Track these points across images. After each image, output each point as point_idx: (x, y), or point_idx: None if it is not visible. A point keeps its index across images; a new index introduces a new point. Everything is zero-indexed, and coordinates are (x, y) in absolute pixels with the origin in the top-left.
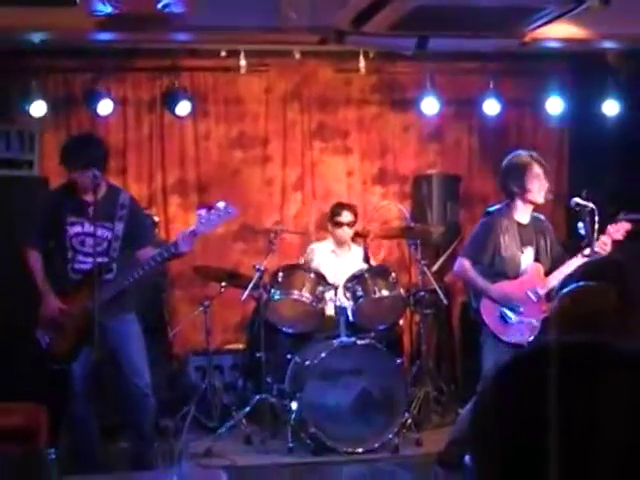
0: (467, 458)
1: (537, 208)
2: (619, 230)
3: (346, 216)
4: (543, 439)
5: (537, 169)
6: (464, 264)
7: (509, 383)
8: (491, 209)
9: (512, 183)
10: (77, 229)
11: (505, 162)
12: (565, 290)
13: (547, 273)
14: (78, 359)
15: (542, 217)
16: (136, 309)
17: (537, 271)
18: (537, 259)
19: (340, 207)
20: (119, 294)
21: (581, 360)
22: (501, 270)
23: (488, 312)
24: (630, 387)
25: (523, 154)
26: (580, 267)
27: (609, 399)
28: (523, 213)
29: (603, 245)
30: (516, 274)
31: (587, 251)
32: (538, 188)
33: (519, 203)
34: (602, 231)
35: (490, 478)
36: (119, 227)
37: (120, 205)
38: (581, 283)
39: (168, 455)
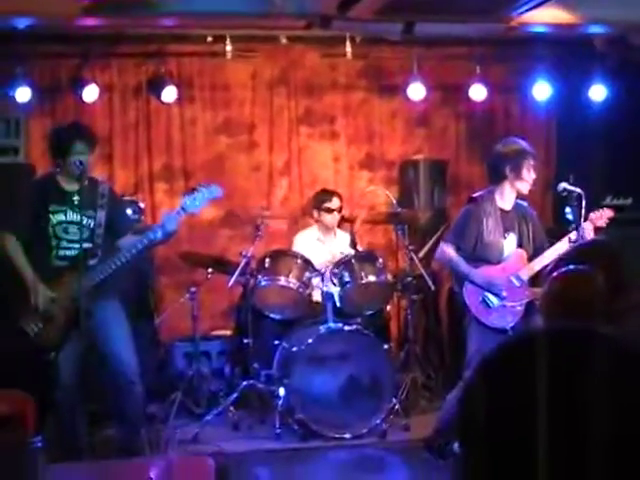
0: (455, 445)
1: (521, 195)
2: (601, 217)
3: (335, 202)
4: (530, 425)
5: (532, 161)
6: (446, 249)
7: (496, 371)
8: (475, 195)
9: (507, 166)
10: (60, 217)
11: (502, 145)
12: (554, 274)
13: (530, 259)
14: (67, 347)
15: (525, 204)
16: (121, 296)
17: (520, 257)
18: (520, 245)
19: (329, 193)
20: (104, 280)
21: (568, 347)
22: (484, 256)
23: (471, 296)
24: (617, 372)
25: (522, 142)
26: (571, 250)
27: (596, 385)
28: (507, 200)
29: (586, 232)
30: (499, 260)
31: (573, 236)
32: (529, 179)
33: (506, 189)
34: (587, 216)
35: (478, 465)
36: (101, 215)
37: (100, 194)
38: (570, 267)
39: (155, 442)
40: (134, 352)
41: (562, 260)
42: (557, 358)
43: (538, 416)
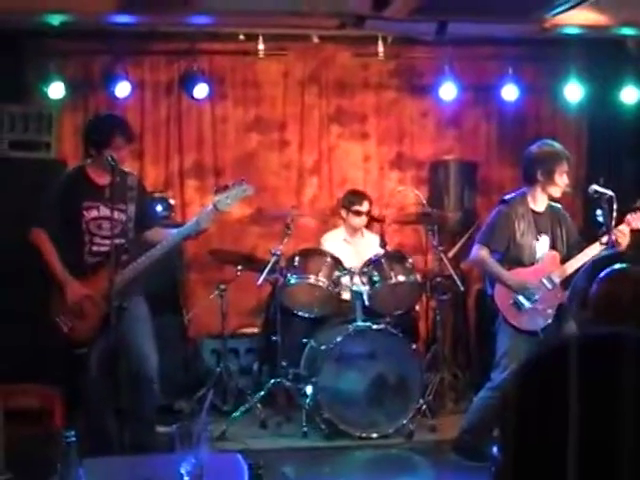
0: (494, 449)
1: (553, 198)
2: (638, 219)
3: (365, 205)
4: (568, 432)
5: (566, 166)
6: (479, 251)
7: (535, 379)
8: (507, 197)
9: (539, 170)
10: (94, 213)
11: (536, 147)
12: (603, 274)
13: (563, 261)
14: (98, 342)
15: (559, 206)
16: (150, 291)
17: (553, 259)
18: (553, 247)
19: (359, 195)
20: (136, 276)
21: (606, 352)
22: (516, 257)
23: (502, 298)
24: None
25: (557, 146)
26: (601, 259)
27: (635, 389)
28: (539, 202)
29: (621, 234)
30: (531, 262)
31: (605, 239)
32: (562, 183)
33: (537, 191)
34: (620, 219)
35: (515, 469)
36: (131, 209)
37: (129, 187)
38: (620, 266)
39: (187, 437)
40: (156, 350)
41: (595, 267)
42: (597, 364)
43: (577, 423)
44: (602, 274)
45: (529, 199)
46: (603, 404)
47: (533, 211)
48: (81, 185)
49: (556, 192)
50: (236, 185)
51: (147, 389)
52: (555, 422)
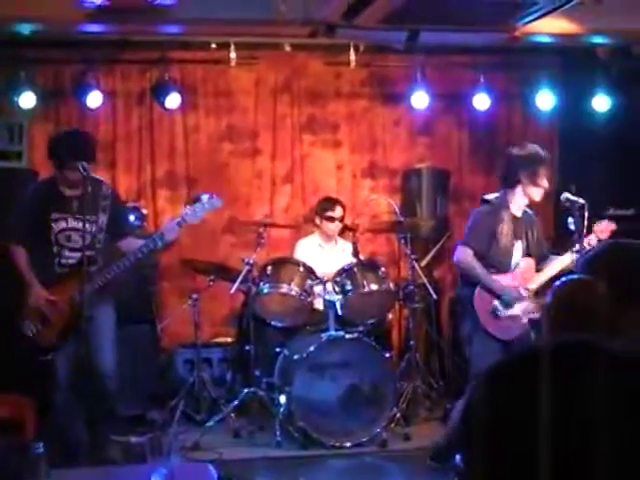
0: (457, 458)
1: (532, 203)
2: (605, 230)
3: (338, 211)
4: (534, 441)
5: (548, 168)
6: (466, 251)
7: (500, 386)
8: (488, 197)
9: (523, 171)
10: (62, 225)
11: (519, 149)
12: (555, 284)
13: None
14: (64, 350)
15: (531, 212)
16: (123, 301)
17: (529, 267)
18: (527, 254)
19: (332, 202)
20: (102, 285)
21: (573, 361)
22: (495, 261)
23: (480, 304)
24: (622, 386)
25: (539, 148)
26: (579, 259)
27: (601, 399)
28: (518, 206)
29: (589, 244)
30: (507, 268)
31: (576, 247)
32: (543, 186)
33: (518, 194)
34: (592, 227)
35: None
36: (102, 219)
37: (102, 196)
38: (571, 276)
39: (157, 448)
40: (115, 353)
41: (570, 270)
42: (563, 372)
43: (540, 431)
44: (556, 284)
45: (510, 202)
46: (573, 413)
47: (513, 215)
48: (50, 197)
49: (537, 195)
50: (206, 199)
51: (103, 387)
52: (522, 431)
